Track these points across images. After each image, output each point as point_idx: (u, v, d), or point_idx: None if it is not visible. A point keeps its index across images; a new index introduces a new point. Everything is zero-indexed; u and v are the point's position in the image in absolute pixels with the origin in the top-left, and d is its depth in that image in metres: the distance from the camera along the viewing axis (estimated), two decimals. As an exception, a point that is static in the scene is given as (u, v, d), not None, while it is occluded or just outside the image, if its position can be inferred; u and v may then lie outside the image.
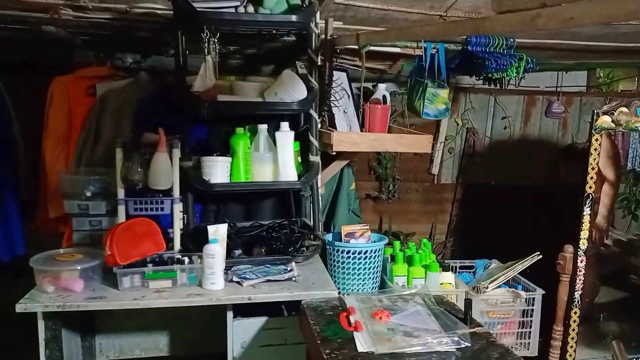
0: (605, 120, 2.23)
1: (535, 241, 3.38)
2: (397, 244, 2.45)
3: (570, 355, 2.30)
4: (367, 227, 2.39)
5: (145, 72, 2.45)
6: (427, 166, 3.88)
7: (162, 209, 2.07)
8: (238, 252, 2.23)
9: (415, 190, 3.90)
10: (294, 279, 2.02)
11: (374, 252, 2.25)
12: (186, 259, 1.97)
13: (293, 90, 2.09)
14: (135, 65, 2.66)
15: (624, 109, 2.22)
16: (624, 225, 3.47)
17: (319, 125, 2.34)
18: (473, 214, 3.84)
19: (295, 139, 2.29)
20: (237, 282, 1.97)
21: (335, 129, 2.37)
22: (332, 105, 2.37)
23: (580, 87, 4.10)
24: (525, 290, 2.34)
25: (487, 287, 2.17)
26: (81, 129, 2.36)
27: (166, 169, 2.00)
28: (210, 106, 2.03)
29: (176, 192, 2.07)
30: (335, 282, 2.28)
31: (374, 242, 2.41)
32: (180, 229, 2.18)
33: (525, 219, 3.66)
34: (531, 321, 2.26)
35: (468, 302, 1.67)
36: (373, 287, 2.28)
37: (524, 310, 2.26)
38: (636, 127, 2.22)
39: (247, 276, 1.99)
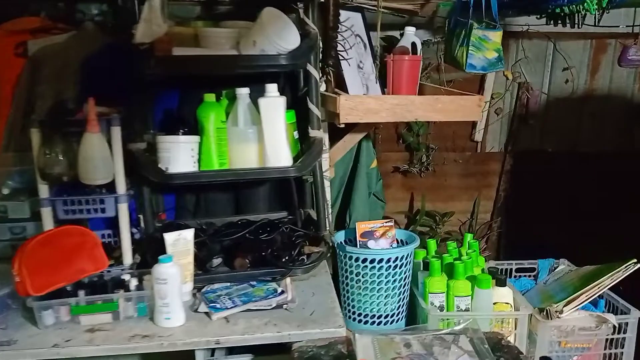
0: None
1: (609, 224, 2.70)
2: (431, 244, 1.82)
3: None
4: (391, 223, 1.77)
5: (91, 22, 1.84)
6: (469, 132, 3.17)
7: (102, 210, 1.50)
8: (217, 261, 1.66)
9: (454, 161, 3.21)
10: (285, 306, 1.44)
11: (401, 260, 1.63)
12: (133, 282, 1.41)
13: (278, 36, 1.44)
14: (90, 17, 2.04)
15: None
16: None
17: (322, 87, 1.70)
18: (525, 188, 3.14)
19: (290, 107, 1.66)
20: (206, 314, 1.41)
21: (345, 91, 1.72)
22: (340, 57, 1.71)
23: (665, 26, 3.25)
24: (612, 309, 1.70)
25: (561, 312, 1.53)
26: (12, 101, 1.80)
27: (101, 156, 1.42)
28: (159, 63, 1.42)
29: (120, 187, 1.49)
30: (345, 302, 1.70)
31: (400, 244, 1.80)
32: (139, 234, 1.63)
33: (590, 193, 2.94)
34: (622, 353, 1.63)
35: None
36: (399, 308, 1.68)
37: (614, 339, 1.62)
38: None
39: (220, 304, 1.42)
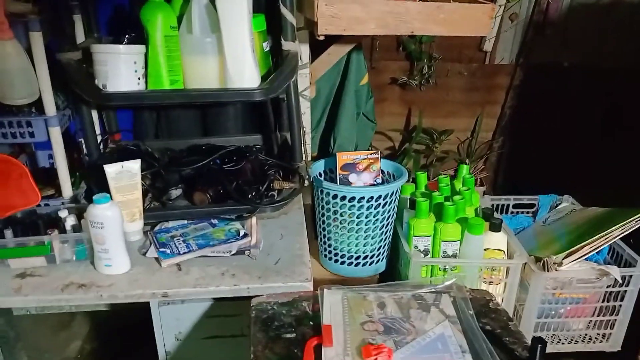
0: None
1: (624, 159, 2.43)
2: (421, 179, 1.61)
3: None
4: (377, 154, 1.53)
5: None
6: (478, 40, 2.82)
7: (31, 135, 1.25)
8: (176, 192, 1.46)
9: (458, 74, 2.89)
10: (247, 253, 1.26)
11: (385, 198, 1.43)
12: (70, 220, 1.22)
13: None
14: None
15: None
16: None
17: (299, -14, 1.37)
18: (534, 106, 2.86)
19: (259, 10, 1.35)
20: (155, 259, 1.23)
21: (329, -8, 1.39)
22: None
23: None
24: (616, 258, 1.53)
25: (560, 264, 1.36)
26: None
27: (18, 69, 1.15)
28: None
29: (49, 108, 1.24)
30: (321, 240, 1.52)
31: (387, 178, 1.58)
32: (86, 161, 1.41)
33: (610, 116, 2.65)
34: (620, 306, 1.48)
35: (536, 344, 0.89)
36: (380, 248, 1.51)
37: (614, 292, 1.47)
38: None
39: (171, 248, 1.24)
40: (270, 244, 1.31)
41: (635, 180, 1.95)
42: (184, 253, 1.22)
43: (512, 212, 1.82)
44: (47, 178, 1.42)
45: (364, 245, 1.49)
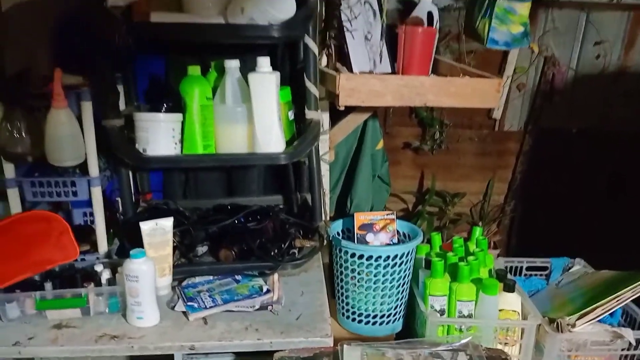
0: None
1: (634, 221, 2.49)
2: (436, 239, 1.68)
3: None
4: (393, 215, 1.61)
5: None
6: (487, 108, 2.95)
7: (74, 194, 1.36)
8: (202, 249, 1.54)
9: (469, 139, 3.00)
10: (270, 308, 1.31)
11: (401, 257, 1.49)
12: (106, 274, 1.30)
13: (270, 3, 1.25)
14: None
15: None
16: None
17: (322, 62, 1.51)
18: (545, 171, 2.94)
19: (285, 83, 1.49)
20: (183, 313, 1.29)
21: (349, 67, 1.53)
22: (343, 28, 1.51)
23: None
24: (629, 321, 1.55)
25: (574, 325, 1.39)
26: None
27: (69, 135, 1.27)
28: (134, 30, 1.25)
29: (93, 170, 1.35)
30: (339, 298, 1.58)
31: (402, 238, 1.65)
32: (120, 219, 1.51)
33: (620, 179, 2.72)
34: (637, 370, 1.49)
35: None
36: (397, 307, 1.56)
37: (626, 355, 1.48)
38: None
39: (198, 302, 1.30)
40: (292, 301, 1.36)
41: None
42: (210, 307, 1.28)
43: (525, 275, 1.86)
44: (81, 234, 1.51)
45: (381, 304, 1.54)
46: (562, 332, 1.39)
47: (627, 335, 1.40)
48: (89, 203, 1.53)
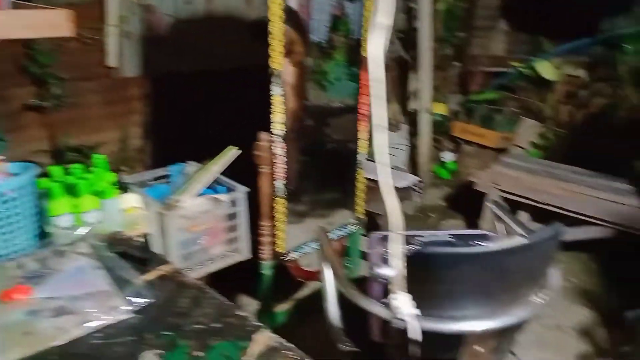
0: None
1: (238, 133, 3.12)
2: (55, 170, 1.77)
3: (280, 248, 2.16)
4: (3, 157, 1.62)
5: None
6: (102, 58, 3.09)
7: None
8: None
9: (93, 91, 3.11)
10: None
11: (17, 192, 1.54)
12: None
13: None
14: None
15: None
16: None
17: None
18: (167, 110, 3.32)
19: None
20: None
21: None
22: None
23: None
24: (229, 191, 2.05)
25: (178, 201, 1.76)
26: None
27: None
28: None
29: None
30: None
31: (13, 174, 1.68)
32: None
33: (222, 109, 3.34)
34: (237, 224, 2.00)
35: (143, 243, 1.22)
36: (29, 244, 1.61)
37: (230, 213, 1.97)
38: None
39: None
40: None
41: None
42: None
43: (151, 184, 2.17)
44: None
45: (12, 241, 1.56)
46: (171, 209, 1.75)
47: (220, 197, 1.87)
48: None
